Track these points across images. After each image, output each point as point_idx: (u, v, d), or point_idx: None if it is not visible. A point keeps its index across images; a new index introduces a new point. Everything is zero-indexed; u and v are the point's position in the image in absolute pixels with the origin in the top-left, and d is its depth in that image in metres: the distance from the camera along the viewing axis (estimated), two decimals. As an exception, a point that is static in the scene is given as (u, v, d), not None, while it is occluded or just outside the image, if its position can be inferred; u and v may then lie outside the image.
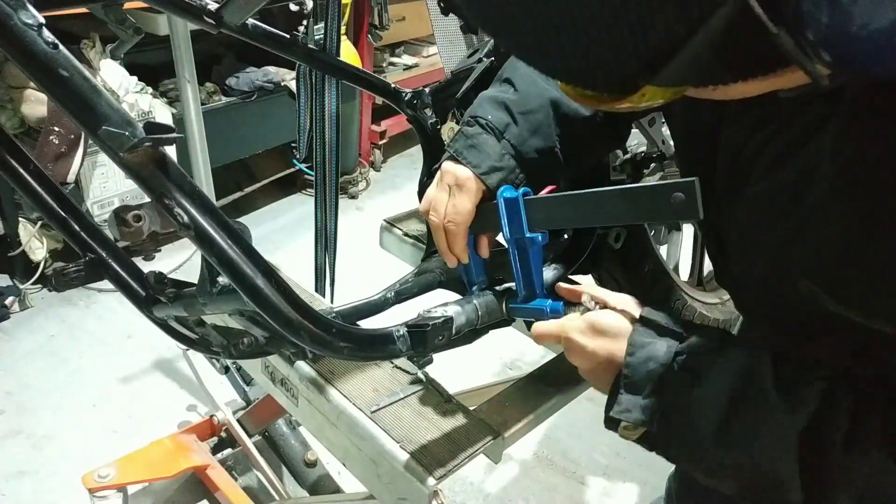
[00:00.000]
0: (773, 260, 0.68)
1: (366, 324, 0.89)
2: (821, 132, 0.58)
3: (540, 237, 0.80)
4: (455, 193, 0.87)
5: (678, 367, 0.67)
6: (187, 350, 1.82)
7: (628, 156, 1.24)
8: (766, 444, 0.62)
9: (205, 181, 2.19)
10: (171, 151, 1.15)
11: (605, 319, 0.74)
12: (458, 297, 0.90)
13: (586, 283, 0.88)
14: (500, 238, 0.87)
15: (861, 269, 0.57)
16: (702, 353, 0.67)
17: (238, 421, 1.65)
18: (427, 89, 1.17)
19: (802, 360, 0.65)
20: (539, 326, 0.82)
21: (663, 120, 1.38)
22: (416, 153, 4.26)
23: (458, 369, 0.95)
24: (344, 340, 0.70)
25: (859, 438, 0.58)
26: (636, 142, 1.26)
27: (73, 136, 2.39)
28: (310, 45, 1.09)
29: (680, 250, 1.46)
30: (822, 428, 0.59)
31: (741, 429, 0.63)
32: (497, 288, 0.91)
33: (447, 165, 0.90)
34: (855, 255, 0.56)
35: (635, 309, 0.75)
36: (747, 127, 0.68)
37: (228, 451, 1.67)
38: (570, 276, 1.04)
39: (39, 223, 2.53)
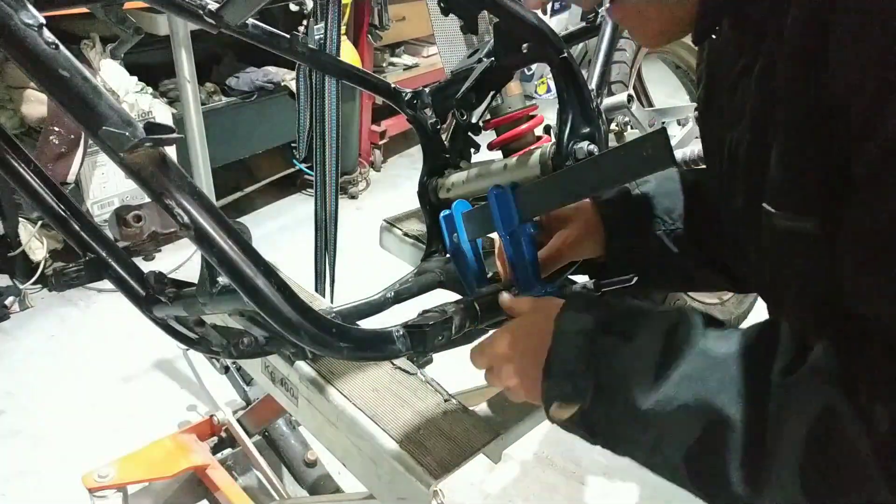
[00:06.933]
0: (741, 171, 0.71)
1: (366, 324, 0.89)
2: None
3: (531, 226, 0.83)
4: None
5: (605, 333, 0.65)
6: (187, 350, 1.82)
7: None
8: (706, 379, 0.59)
9: (205, 181, 2.19)
10: (171, 151, 1.15)
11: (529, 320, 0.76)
12: (458, 297, 0.90)
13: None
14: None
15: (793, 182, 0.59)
16: (632, 316, 0.66)
17: (238, 421, 1.65)
18: (427, 89, 1.17)
19: None
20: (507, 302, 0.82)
21: (664, 121, 1.39)
22: (416, 153, 4.26)
23: (458, 369, 0.95)
24: (344, 340, 0.70)
25: (799, 363, 0.56)
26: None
27: (73, 136, 2.39)
28: (310, 45, 1.08)
29: (680, 250, 1.46)
30: (759, 354, 0.58)
31: (678, 371, 0.60)
32: (496, 287, 0.91)
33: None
34: (790, 171, 0.59)
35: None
36: (729, 57, 0.72)
37: (228, 450, 1.67)
38: (569, 277, 1.04)
39: (39, 223, 2.53)
